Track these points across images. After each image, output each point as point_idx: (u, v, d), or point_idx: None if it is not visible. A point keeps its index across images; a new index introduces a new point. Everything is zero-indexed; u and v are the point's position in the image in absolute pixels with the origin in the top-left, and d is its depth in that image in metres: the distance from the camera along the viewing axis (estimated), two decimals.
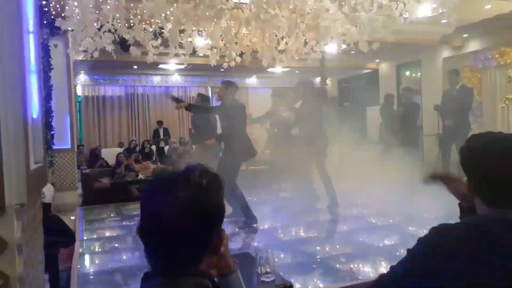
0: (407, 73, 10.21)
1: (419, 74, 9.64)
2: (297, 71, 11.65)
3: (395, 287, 1.12)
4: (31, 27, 1.94)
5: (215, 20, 4.80)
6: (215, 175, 1.00)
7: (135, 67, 11.09)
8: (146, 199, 0.97)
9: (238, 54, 5.56)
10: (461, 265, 0.99)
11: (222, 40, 5.31)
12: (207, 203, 0.95)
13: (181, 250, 0.94)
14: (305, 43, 5.60)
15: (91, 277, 3.45)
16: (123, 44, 4.98)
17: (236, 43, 5.36)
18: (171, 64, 10.35)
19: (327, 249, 3.89)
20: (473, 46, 8.03)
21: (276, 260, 3.09)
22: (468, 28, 7.27)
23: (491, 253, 0.98)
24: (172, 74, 12.54)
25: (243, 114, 4.90)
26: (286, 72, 11.57)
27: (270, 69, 10.00)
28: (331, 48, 6.22)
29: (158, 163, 8.96)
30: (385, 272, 1.17)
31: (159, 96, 13.14)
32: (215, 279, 1.06)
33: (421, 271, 1.05)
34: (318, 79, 10.56)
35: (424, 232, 1.10)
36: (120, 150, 9.74)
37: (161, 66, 10.59)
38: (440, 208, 4.19)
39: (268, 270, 2.51)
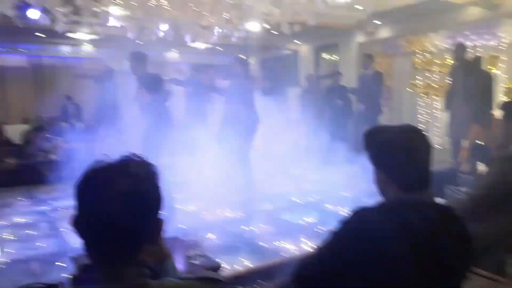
0: (326, 56, 10.56)
1: (338, 57, 10.01)
2: (220, 48, 11.48)
3: (320, 267, 1.23)
4: None
5: None
6: (150, 164, 1.02)
7: (40, 34, 10.04)
8: (82, 190, 0.95)
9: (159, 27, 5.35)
10: (378, 245, 1.11)
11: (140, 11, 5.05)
12: (145, 193, 0.96)
13: (121, 241, 0.94)
14: (228, 21, 5.54)
15: (4, 266, 3.22)
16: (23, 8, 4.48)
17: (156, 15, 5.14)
18: (82, 34, 9.53)
19: (253, 228, 3.97)
20: (385, 33, 8.50)
21: (204, 241, 3.10)
22: (381, 15, 7.69)
23: (401, 232, 1.12)
24: (83, 44, 11.63)
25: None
26: (209, 48, 11.35)
27: (192, 45, 9.72)
28: (254, 27, 6.23)
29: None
30: (310, 251, 1.27)
31: (69, 68, 12.17)
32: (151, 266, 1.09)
33: (343, 253, 1.17)
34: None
35: (339, 209, 1.19)
36: (26, 126, 8.98)
37: (70, 35, 9.72)
38: (354, 185, 4.50)
39: (197, 253, 2.51)
